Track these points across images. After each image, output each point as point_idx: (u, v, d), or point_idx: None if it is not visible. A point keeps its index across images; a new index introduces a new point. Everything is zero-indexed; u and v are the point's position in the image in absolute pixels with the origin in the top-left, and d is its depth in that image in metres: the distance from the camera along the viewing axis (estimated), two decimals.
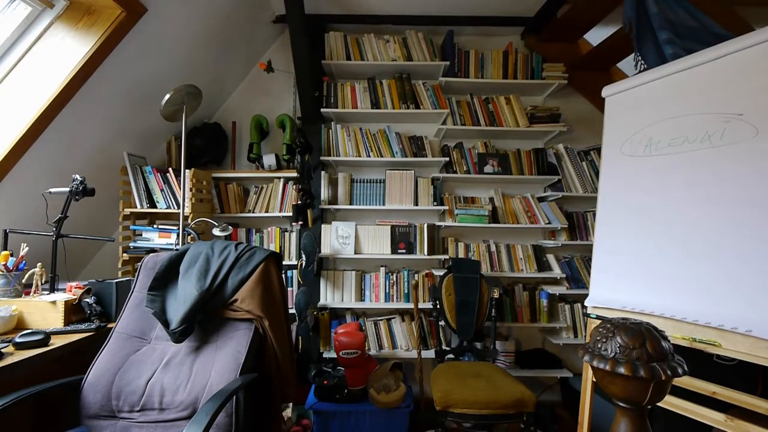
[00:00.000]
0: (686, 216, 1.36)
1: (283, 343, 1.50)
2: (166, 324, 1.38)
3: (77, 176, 1.78)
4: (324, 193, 2.60)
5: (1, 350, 1.22)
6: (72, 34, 1.70)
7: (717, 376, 1.27)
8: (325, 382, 2.06)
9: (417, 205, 2.59)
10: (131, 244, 2.29)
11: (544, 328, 2.62)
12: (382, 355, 2.51)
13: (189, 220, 2.27)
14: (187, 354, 1.38)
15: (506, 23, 2.63)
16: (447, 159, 2.59)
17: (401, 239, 2.60)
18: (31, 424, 1.34)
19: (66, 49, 1.69)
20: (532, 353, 2.62)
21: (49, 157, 1.86)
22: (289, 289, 2.60)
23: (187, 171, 2.20)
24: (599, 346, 0.68)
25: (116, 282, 1.68)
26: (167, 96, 1.90)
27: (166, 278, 1.48)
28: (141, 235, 2.29)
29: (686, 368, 0.63)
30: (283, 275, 2.26)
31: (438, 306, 2.32)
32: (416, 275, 2.62)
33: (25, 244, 1.65)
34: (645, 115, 1.54)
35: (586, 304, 1.65)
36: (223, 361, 1.33)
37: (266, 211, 2.63)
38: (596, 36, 2.47)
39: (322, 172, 2.60)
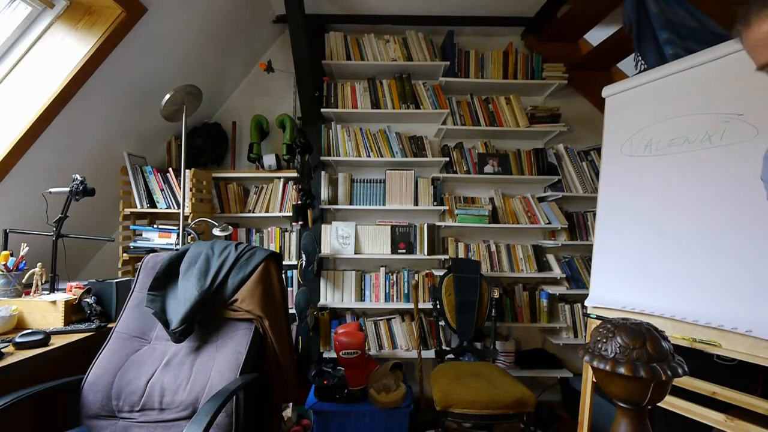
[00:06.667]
0: (686, 216, 1.36)
1: (283, 343, 1.50)
2: (166, 324, 1.38)
3: (77, 176, 1.78)
4: (324, 193, 2.60)
5: (1, 350, 1.22)
6: (72, 34, 1.70)
7: (717, 376, 1.27)
8: (325, 382, 2.06)
9: (417, 205, 2.59)
10: (131, 244, 2.29)
11: (544, 328, 2.62)
12: (382, 355, 2.51)
13: (189, 220, 2.27)
14: (187, 354, 1.38)
15: (506, 23, 2.63)
16: (447, 159, 2.59)
17: (401, 239, 2.60)
18: (31, 424, 1.34)
19: (66, 49, 1.69)
20: (532, 353, 2.62)
21: (49, 157, 1.86)
22: (289, 289, 2.60)
23: (187, 171, 2.20)
24: (599, 346, 0.68)
25: (116, 282, 1.68)
26: (167, 96, 1.90)
27: (166, 278, 1.48)
28: (141, 235, 2.29)
29: (686, 368, 0.63)
30: (283, 275, 2.26)
31: (438, 306, 2.32)
32: (416, 275, 2.62)
33: (25, 244, 1.65)
34: (645, 115, 1.54)
35: (586, 304, 1.65)
36: (223, 361, 1.33)
37: (266, 211, 2.63)
38: (596, 36, 2.47)
39: (322, 172, 2.61)
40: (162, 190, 2.35)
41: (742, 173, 1.22)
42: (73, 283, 1.68)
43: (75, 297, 1.58)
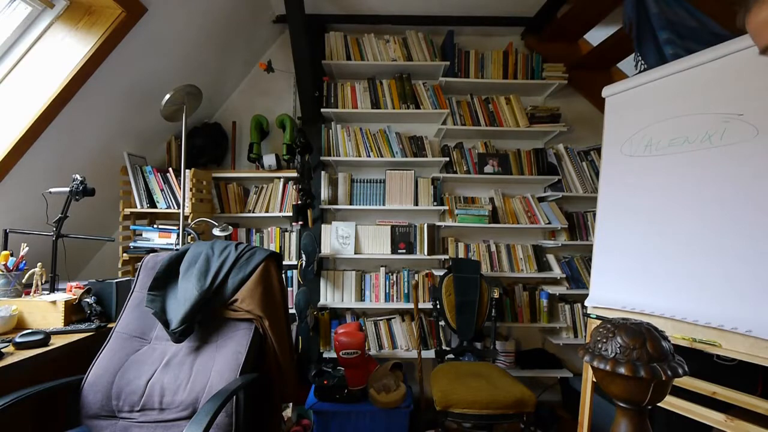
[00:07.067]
0: (686, 216, 1.36)
1: (283, 343, 1.50)
2: (166, 324, 1.38)
3: (77, 176, 1.78)
4: (324, 193, 2.60)
5: (1, 350, 1.22)
6: (72, 34, 1.70)
7: (717, 376, 1.27)
8: (325, 382, 2.06)
9: (417, 205, 2.59)
10: (131, 244, 2.29)
11: (544, 328, 2.62)
12: (382, 355, 2.51)
13: (189, 220, 2.27)
14: (187, 354, 1.38)
15: (506, 23, 2.63)
16: (447, 159, 2.59)
17: (401, 239, 2.60)
18: (31, 424, 1.34)
19: (66, 49, 1.69)
20: (532, 353, 2.62)
21: (49, 157, 1.86)
22: (289, 289, 2.60)
23: (187, 171, 2.20)
24: (599, 346, 0.68)
25: (116, 282, 1.68)
26: (167, 96, 1.90)
27: (166, 278, 1.48)
28: (141, 235, 2.29)
29: (686, 368, 0.63)
30: (283, 275, 2.26)
31: (438, 306, 2.32)
32: (416, 275, 2.62)
33: (25, 244, 1.65)
34: (645, 115, 1.54)
35: (586, 304, 1.65)
36: (223, 361, 1.33)
37: (266, 211, 2.63)
38: (596, 36, 2.47)
39: (322, 172, 2.61)
40: (162, 190, 2.35)
41: (742, 173, 1.22)
42: (73, 283, 1.68)
43: (75, 297, 1.58)
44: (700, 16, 1.58)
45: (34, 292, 1.60)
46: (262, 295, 1.48)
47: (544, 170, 2.61)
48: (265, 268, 1.54)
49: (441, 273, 2.39)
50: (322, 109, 2.56)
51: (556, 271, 2.57)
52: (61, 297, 1.57)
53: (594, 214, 2.50)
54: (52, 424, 1.38)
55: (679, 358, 0.65)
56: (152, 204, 2.37)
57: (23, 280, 1.60)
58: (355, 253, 2.56)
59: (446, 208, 2.60)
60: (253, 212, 2.64)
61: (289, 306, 2.47)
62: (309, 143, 2.46)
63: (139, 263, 1.56)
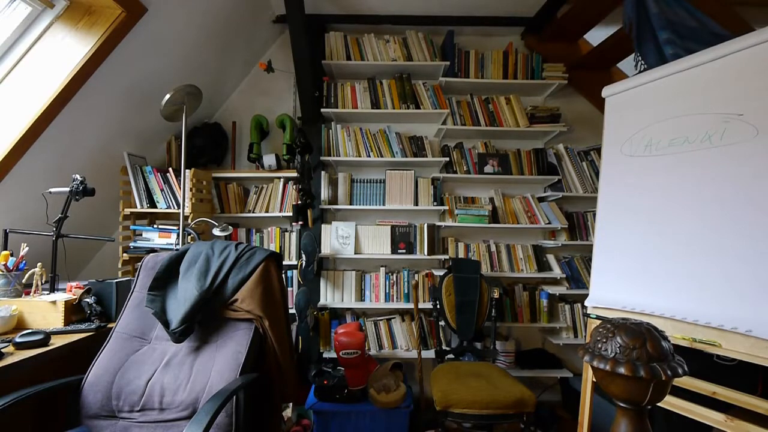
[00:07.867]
0: (686, 216, 1.36)
1: (283, 343, 1.50)
2: (166, 324, 1.38)
3: (77, 176, 1.78)
4: (324, 193, 2.60)
5: (1, 350, 1.22)
6: (72, 34, 1.70)
7: (717, 376, 1.27)
8: (325, 382, 2.06)
9: (417, 205, 2.59)
10: (131, 244, 2.29)
11: (544, 328, 2.62)
12: (382, 355, 2.51)
13: (189, 220, 2.27)
14: (187, 354, 1.38)
15: (506, 23, 2.63)
16: (447, 159, 2.59)
17: (401, 239, 2.60)
18: (31, 424, 1.34)
19: (66, 49, 1.69)
20: (532, 353, 2.62)
21: (49, 157, 1.86)
22: (289, 289, 2.60)
23: (187, 171, 2.20)
24: (599, 346, 0.68)
25: (116, 282, 1.68)
26: (167, 96, 1.90)
27: (166, 278, 1.48)
28: (141, 235, 2.29)
29: (686, 368, 0.63)
30: (283, 275, 2.26)
31: (438, 306, 2.32)
32: (416, 275, 2.62)
33: (25, 244, 1.65)
34: (645, 115, 1.54)
35: (586, 304, 1.65)
36: (223, 361, 1.33)
37: (266, 211, 2.63)
38: (596, 36, 2.47)
39: (322, 172, 2.60)
40: (162, 190, 2.35)
41: (742, 173, 1.22)
42: (73, 283, 1.68)
43: (75, 297, 1.58)
44: (700, 16, 1.58)
45: (34, 292, 1.60)
46: (262, 295, 1.48)
47: (544, 170, 2.61)
48: (265, 268, 1.54)
49: (441, 273, 2.39)
50: (322, 109, 2.56)
51: (556, 271, 2.57)
52: (61, 297, 1.57)
53: (594, 214, 2.50)
54: (52, 424, 1.39)
55: (679, 358, 0.65)
56: (152, 204, 2.37)
57: (23, 280, 1.60)
58: (355, 253, 2.56)
59: (446, 208, 2.60)
60: (253, 212, 2.64)
61: (289, 306, 2.47)
62: (309, 143, 2.46)
63: (139, 263, 1.56)
